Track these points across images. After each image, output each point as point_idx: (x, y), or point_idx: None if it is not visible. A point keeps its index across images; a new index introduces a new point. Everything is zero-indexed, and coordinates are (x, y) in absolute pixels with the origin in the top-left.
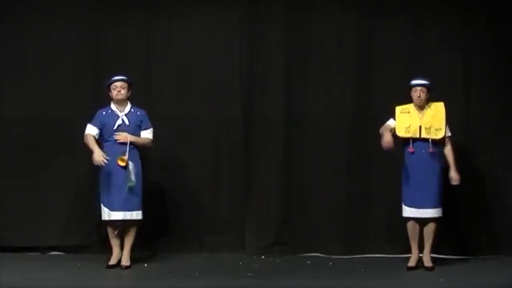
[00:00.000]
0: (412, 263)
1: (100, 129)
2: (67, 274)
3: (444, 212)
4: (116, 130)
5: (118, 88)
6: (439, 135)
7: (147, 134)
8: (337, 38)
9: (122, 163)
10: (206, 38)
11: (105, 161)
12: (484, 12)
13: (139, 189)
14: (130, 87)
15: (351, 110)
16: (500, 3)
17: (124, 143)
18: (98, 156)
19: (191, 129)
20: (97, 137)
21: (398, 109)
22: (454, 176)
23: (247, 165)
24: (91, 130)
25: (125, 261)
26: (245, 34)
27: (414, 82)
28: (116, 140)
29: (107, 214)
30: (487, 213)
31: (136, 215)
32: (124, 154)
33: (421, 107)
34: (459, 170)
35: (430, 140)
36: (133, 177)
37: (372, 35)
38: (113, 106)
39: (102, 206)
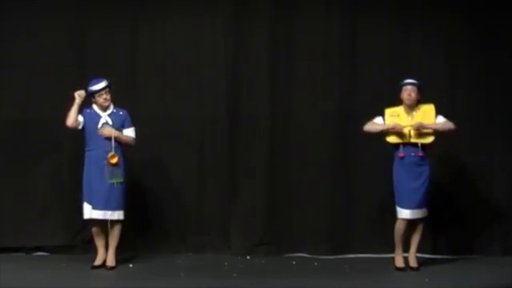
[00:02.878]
0: (401, 263)
1: (84, 123)
2: (52, 274)
3: (429, 212)
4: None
5: (104, 95)
6: (429, 139)
7: (130, 133)
8: (323, 38)
9: (114, 160)
10: (191, 38)
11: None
12: (468, 11)
13: (122, 189)
14: (110, 86)
15: (336, 110)
16: (484, 3)
17: (109, 139)
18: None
19: (176, 129)
20: (80, 122)
21: (388, 112)
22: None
23: (232, 165)
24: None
25: (110, 262)
26: (231, 34)
27: (404, 81)
28: (100, 134)
29: (89, 212)
30: (472, 213)
31: (118, 215)
32: (111, 150)
33: (410, 108)
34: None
35: (419, 145)
36: (120, 174)
37: (358, 35)
38: (95, 108)
39: (85, 204)
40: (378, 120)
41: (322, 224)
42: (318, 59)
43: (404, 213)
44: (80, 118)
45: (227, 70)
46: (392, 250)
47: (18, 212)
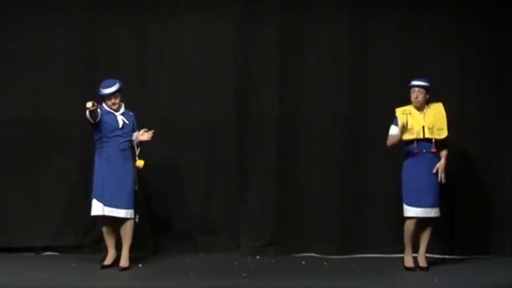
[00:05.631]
0: (410, 263)
1: (101, 116)
2: (61, 274)
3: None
4: (122, 128)
5: (113, 99)
6: (442, 135)
7: (135, 137)
8: (331, 38)
9: (140, 164)
10: (200, 38)
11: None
12: (477, 11)
13: (133, 188)
14: (121, 91)
15: (345, 110)
16: (493, 3)
17: (138, 144)
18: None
19: (185, 129)
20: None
21: (399, 111)
22: (442, 176)
23: (241, 165)
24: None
25: (124, 262)
26: (239, 34)
27: (412, 82)
28: (140, 139)
29: (101, 209)
30: (481, 213)
31: (131, 213)
32: (138, 156)
33: (419, 108)
34: (448, 170)
35: (433, 140)
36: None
37: (366, 35)
38: (105, 106)
39: (94, 200)
40: (392, 130)
41: (331, 224)
42: (327, 59)
43: (411, 211)
44: (98, 111)
45: (236, 70)
46: (401, 250)
47: (27, 212)
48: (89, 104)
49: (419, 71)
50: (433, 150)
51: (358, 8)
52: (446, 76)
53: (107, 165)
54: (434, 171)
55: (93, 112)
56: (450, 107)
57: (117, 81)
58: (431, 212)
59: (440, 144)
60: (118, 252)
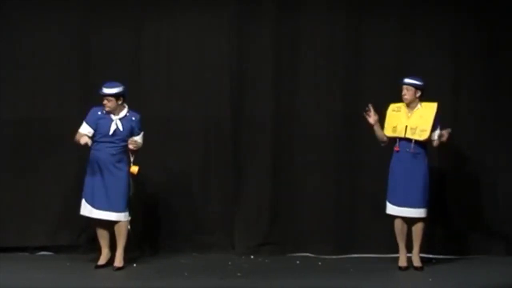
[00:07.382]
0: (403, 263)
1: (94, 130)
2: (56, 274)
3: (432, 212)
4: (112, 135)
5: (105, 100)
6: (423, 137)
7: (139, 139)
8: (327, 38)
9: (134, 171)
10: (196, 38)
11: (88, 140)
12: (473, 12)
13: (126, 189)
14: (119, 97)
15: (340, 110)
16: (490, 3)
17: (133, 151)
18: (83, 138)
19: (180, 129)
20: (90, 135)
21: (391, 107)
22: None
23: (236, 165)
24: (85, 129)
25: (118, 262)
26: (235, 34)
27: (401, 80)
28: (131, 149)
29: (89, 211)
30: (475, 213)
31: (124, 216)
32: (133, 162)
33: (411, 106)
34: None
35: (413, 141)
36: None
37: (362, 35)
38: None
39: (83, 201)
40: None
41: (326, 224)
42: (322, 59)
43: (391, 210)
44: (90, 132)
45: (231, 70)
46: (396, 250)
47: (22, 212)
48: (83, 141)
49: (416, 71)
50: (412, 150)
51: (355, 7)
52: (444, 76)
53: (98, 168)
54: (437, 136)
55: (81, 145)
56: (447, 106)
57: (118, 85)
58: (412, 213)
59: (426, 145)
60: (113, 252)
